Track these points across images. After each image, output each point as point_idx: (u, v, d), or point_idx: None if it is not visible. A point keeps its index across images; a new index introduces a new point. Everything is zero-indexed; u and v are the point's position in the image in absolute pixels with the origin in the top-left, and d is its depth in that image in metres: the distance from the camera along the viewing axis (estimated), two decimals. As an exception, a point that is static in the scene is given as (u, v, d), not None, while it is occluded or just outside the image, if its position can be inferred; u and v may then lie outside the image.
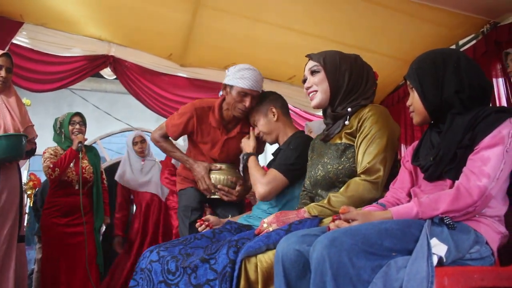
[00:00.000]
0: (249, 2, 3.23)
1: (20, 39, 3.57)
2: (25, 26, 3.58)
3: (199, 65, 4.03)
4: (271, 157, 2.10)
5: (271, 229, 1.44)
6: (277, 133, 2.10)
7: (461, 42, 3.35)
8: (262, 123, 2.11)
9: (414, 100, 1.32)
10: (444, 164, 1.23)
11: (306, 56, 1.76)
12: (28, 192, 3.27)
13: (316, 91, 1.66)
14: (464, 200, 1.13)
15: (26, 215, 3.99)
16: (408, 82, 1.35)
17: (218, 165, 2.36)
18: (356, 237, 1.01)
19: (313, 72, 1.67)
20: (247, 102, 2.12)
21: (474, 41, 3.19)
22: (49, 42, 3.61)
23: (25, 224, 3.29)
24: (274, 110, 2.10)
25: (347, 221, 1.16)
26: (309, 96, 1.70)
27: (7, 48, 3.50)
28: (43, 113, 6.60)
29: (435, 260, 1.01)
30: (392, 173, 1.50)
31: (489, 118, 1.18)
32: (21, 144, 2.47)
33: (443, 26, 3.16)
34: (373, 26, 3.37)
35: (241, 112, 2.18)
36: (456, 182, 1.18)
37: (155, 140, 2.48)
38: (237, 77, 2.12)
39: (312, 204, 1.49)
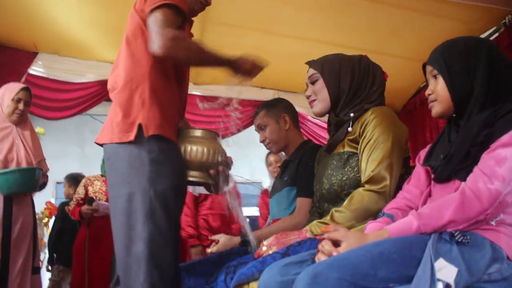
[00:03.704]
0: (257, 15, 3.17)
1: (35, 68, 3.62)
2: (40, 56, 3.64)
3: (212, 82, 3.98)
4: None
5: (270, 252, 1.32)
6: (285, 143, 2.00)
7: (482, 37, 3.16)
8: (272, 129, 2.00)
9: (438, 88, 1.16)
10: (454, 163, 1.08)
11: (305, 63, 1.66)
12: (44, 221, 3.28)
13: (315, 99, 1.56)
14: (472, 206, 0.97)
15: (45, 243, 4.03)
16: (429, 69, 1.20)
17: (193, 131, 1.59)
18: (343, 269, 0.86)
19: (312, 81, 1.58)
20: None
21: (496, 34, 3.00)
22: (63, 70, 3.65)
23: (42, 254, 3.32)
24: (287, 118, 2.01)
25: (334, 242, 1.01)
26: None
27: (23, 79, 3.57)
28: (65, 140, 6.71)
29: (440, 288, 0.84)
30: (402, 180, 1.36)
31: (510, 114, 1.03)
32: (35, 178, 2.50)
33: (461, 21, 3.00)
34: (387, 28, 3.25)
35: (202, 7, 1.74)
36: (462, 184, 1.02)
37: (168, 46, 1.40)
38: None
39: (314, 221, 1.36)
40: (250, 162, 6.57)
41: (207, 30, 3.25)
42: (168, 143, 1.47)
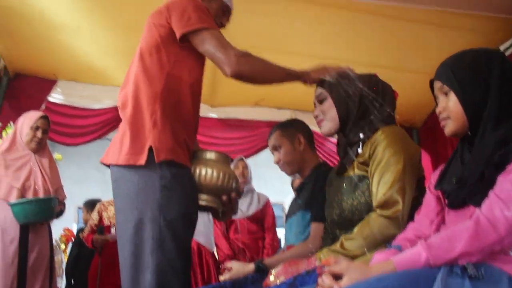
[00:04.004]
0: (270, 34, 3.15)
1: (55, 95, 3.70)
2: (59, 83, 3.71)
3: (229, 104, 3.97)
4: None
5: (278, 282, 1.25)
6: (300, 165, 1.93)
7: (502, 48, 3.06)
8: (286, 151, 1.93)
9: (450, 104, 1.08)
10: (468, 187, 0.99)
11: (316, 84, 1.61)
12: (62, 247, 3.29)
13: (323, 119, 1.51)
14: (487, 235, 0.87)
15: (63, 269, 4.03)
16: (439, 85, 1.12)
17: (207, 154, 1.49)
18: None
19: (320, 100, 1.53)
20: (226, 20, 1.71)
21: (517, 45, 2.90)
22: (81, 96, 3.71)
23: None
24: (301, 139, 1.94)
25: (335, 276, 0.94)
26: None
27: (43, 106, 3.64)
28: (87, 165, 6.79)
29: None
30: (416, 203, 1.27)
31: None
32: (52, 207, 2.50)
33: (480, 33, 2.92)
34: (405, 43, 3.19)
35: (217, 26, 1.66)
36: (476, 210, 0.93)
37: (245, 58, 1.39)
38: None
39: (324, 249, 1.29)
40: (273, 183, 6.50)
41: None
42: (181, 168, 1.38)
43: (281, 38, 3.19)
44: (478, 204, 0.95)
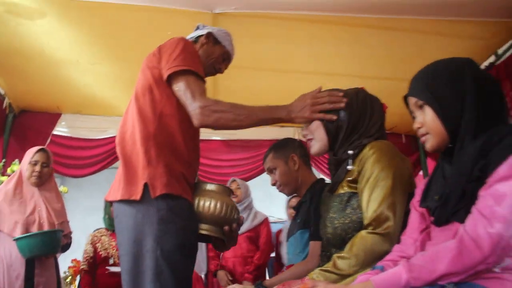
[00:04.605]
0: (270, 54, 3.15)
1: (59, 129, 3.76)
2: (63, 117, 3.78)
3: (231, 125, 3.97)
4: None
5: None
6: (296, 184, 1.92)
7: (500, 51, 3.02)
8: (281, 172, 1.93)
9: (427, 119, 1.04)
10: (451, 204, 0.95)
11: None
12: (68, 279, 3.24)
13: (312, 139, 1.48)
14: (471, 255, 0.83)
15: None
16: (413, 100, 1.08)
17: (208, 185, 1.53)
18: None
19: None
20: (224, 67, 1.77)
21: (515, 47, 2.86)
22: (85, 128, 3.77)
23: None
24: (295, 158, 1.94)
25: None
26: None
27: (48, 140, 3.69)
28: (98, 193, 6.78)
29: None
30: (407, 218, 1.23)
31: (505, 140, 0.90)
32: (56, 240, 2.51)
33: (478, 38, 2.90)
34: (405, 54, 3.17)
35: (214, 72, 1.75)
36: (460, 228, 0.89)
37: (211, 110, 1.40)
38: (227, 40, 1.75)
39: (317, 269, 1.25)
40: (281, 201, 6.45)
41: (220, 76, 3.25)
42: (178, 200, 1.41)
43: (281, 58, 3.20)
44: (462, 220, 0.92)
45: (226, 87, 3.40)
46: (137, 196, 1.37)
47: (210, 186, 1.53)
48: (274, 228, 3.77)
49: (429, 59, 3.26)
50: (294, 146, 1.99)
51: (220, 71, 1.76)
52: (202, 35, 1.71)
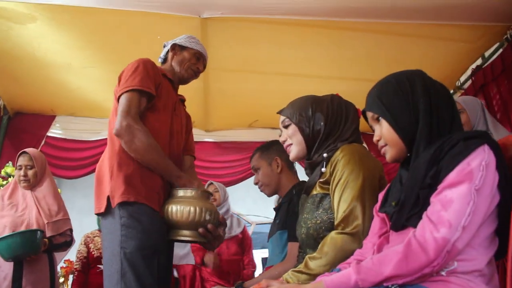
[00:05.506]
0: (258, 58, 3.19)
1: (53, 131, 3.79)
2: (57, 119, 3.82)
3: (223, 127, 4.02)
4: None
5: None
6: (277, 186, 1.98)
7: (486, 54, 3.05)
8: (264, 172, 2.00)
9: (384, 131, 1.08)
10: (406, 210, 0.98)
11: (277, 113, 1.64)
12: (61, 280, 3.26)
13: (291, 144, 1.52)
14: (416, 259, 0.86)
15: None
16: (370, 115, 1.13)
17: (179, 191, 1.58)
18: None
19: (285, 126, 1.55)
20: (201, 65, 1.90)
21: (500, 50, 2.89)
22: (79, 130, 3.80)
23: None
24: (279, 161, 1.99)
25: None
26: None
27: (43, 142, 3.74)
28: (92, 195, 6.79)
29: None
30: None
31: (456, 148, 0.92)
32: (35, 240, 2.48)
33: (464, 42, 2.93)
34: (392, 56, 3.20)
35: (193, 73, 1.88)
36: (410, 233, 0.92)
37: (124, 132, 1.52)
38: (192, 41, 1.89)
39: (290, 271, 1.29)
40: (273, 203, 6.47)
41: (210, 78, 3.31)
42: (137, 206, 1.53)
43: (268, 61, 3.24)
44: (415, 226, 0.94)
45: (218, 88, 3.45)
46: (102, 209, 1.55)
47: (180, 192, 1.58)
48: (267, 229, 3.82)
49: (411, 62, 3.28)
50: (279, 149, 2.03)
51: (199, 70, 1.90)
52: (168, 50, 1.88)
